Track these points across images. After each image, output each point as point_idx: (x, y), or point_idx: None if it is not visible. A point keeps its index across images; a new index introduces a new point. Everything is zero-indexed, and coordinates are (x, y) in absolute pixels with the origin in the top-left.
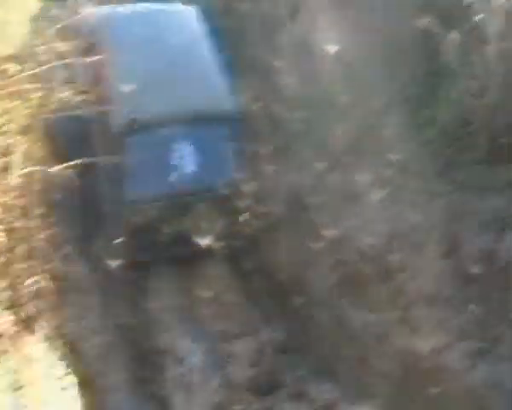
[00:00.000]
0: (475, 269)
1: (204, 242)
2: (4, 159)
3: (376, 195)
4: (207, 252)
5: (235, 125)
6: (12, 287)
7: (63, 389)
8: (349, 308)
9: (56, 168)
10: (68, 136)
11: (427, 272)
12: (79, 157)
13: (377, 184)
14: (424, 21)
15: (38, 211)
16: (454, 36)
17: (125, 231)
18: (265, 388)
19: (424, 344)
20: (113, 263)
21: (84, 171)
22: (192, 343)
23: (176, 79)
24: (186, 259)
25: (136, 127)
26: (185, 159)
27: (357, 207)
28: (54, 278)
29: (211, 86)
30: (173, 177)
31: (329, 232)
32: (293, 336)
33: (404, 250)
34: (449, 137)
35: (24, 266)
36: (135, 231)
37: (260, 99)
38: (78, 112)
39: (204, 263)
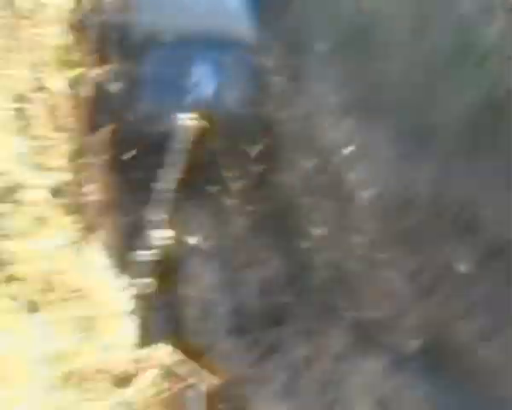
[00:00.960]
0: None
1: None
2: None
3: None
4: None
5: (252, 47)
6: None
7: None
8: None
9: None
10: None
11: None
12: None
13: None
14: None
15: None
16: None
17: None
18: None
19: None
20: None
21: None
22: None
23: None
24: None
25: (155, 40)
26: (204, 78)
27: None
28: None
29: (230, 7)
30: (191, 95)
31: None
32: None
33: None
34: None
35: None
36: None
37: None
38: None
39: None
